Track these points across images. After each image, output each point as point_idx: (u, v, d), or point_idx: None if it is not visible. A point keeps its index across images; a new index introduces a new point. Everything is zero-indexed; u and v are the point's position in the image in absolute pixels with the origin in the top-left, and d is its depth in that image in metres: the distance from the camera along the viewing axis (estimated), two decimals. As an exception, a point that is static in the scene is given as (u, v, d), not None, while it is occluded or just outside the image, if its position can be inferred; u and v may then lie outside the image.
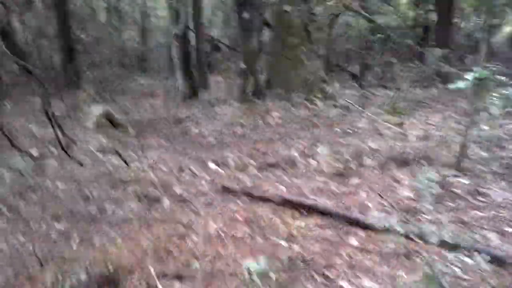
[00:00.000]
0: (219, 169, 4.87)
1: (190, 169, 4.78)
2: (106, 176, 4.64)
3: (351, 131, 6.27)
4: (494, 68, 4.12)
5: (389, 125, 6.55)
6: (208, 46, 13.65)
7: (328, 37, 8.29)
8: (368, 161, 4.69)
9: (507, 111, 6.54)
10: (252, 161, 5.06)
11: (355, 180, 4.27)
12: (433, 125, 6.57)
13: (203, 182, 4.43)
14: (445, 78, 9.90)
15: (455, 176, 4.18)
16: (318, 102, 7.97)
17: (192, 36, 10.14)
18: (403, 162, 4.59)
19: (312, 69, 8.09)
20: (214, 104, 8.57)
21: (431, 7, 13.04)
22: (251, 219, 3.53)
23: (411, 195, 3.82)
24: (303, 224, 3.42)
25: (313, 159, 4.96)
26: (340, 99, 8.18)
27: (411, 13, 14.06)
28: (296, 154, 5.25)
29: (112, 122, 6.79)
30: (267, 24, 8.30)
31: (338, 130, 6.45)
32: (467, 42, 15.36)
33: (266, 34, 8.38)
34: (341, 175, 4.43)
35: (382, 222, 3.00)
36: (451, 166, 4.40)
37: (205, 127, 7.15)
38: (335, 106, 7.94)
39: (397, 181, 4.14)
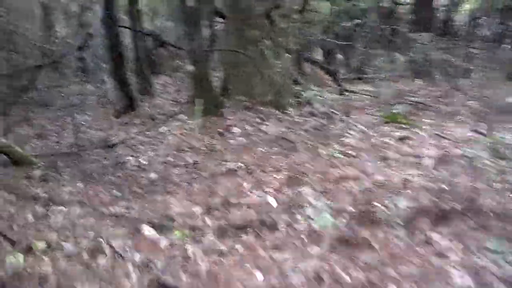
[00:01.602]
0: (158, 239, 3.35)
1: (111, 246, 3.22)
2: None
3: (342, 154, 4.86)
4: None
5: (389, 141, 5.20)
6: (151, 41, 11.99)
7: (298, 27, 6.87)
8: (383, 215, 3.28)
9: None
10: (208, 219, 3.57)
11: (372, 256, 2.84)
12: (447, 138, 5.27)
13: (128, 273, 2.89)
14: (445, 70, 8.73)
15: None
16: (292, 111, 6.55)
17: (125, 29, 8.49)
18: (437, 214, 3.20)
19: (281, 68, 6.64)
20: (158, 121, 6.99)
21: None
22: None
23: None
24: None
25: (298, 212, 3.51)
26: (319, 104, 6.78)
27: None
28: (272, 201, 3.80)
29: (11, 157, 5.13)
30: (219, 13, 6.82)
31: (324, 153, 5.03)
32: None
33: (219, 27, 6.88)
34: (347, 244, 3.00)
35: None
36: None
37: (145, 155, 5.59)
38: (313, 114, 6.56)
39: (444, 257, 2.73)
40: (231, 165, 4.91)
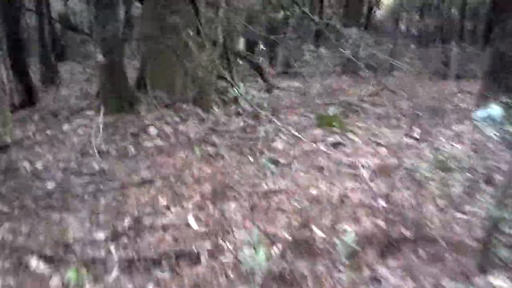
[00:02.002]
0: (48, 277, 2.70)
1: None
2: None
3: (272, 163, 4.41)
4: None
5: (323, 147, 4.84)
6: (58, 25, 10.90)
7: (227, 16, 6.34)
8: (323, 243, 2.86)
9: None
10: (113, 249, 2.97)
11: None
12: (382, 144, 5.00)
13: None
14: (372, 67, 8.59)
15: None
16: (216, 110, 6.03)
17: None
18: (384, 242, 2.83)
19: (206, 62, 6.08)
20: (61, 117, 6.17)
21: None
22: None
23: None
24: None
25: (224, 237, 3.01)
26: (246, 103, 6.30)
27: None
28: (193, 222, 3.27)
29: None
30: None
31: (252, 160, 4.57)
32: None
33: (136, 12, 6.18)
34: (282, 282, 2.55)
35: None
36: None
37: (43, 159, 4.82)
38: (239, 114, 6.08)
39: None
40: (145, 173, 4.33)
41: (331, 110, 5.77)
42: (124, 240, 3.06)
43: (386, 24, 23.46)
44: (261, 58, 9.87)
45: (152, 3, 6.22)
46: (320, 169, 4.27)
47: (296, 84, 9.54)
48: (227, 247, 2.87)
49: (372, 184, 3.88)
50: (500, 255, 2.50)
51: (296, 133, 5.15)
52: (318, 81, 8.87)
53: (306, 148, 4.88)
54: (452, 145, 5.35)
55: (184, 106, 5.95)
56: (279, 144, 5.05)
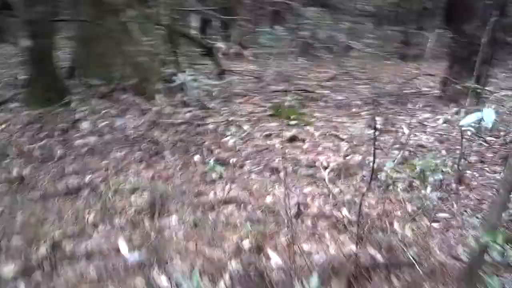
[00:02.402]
0: None
1: None
2: None
3: (220, 165, 3.92)
4: None
5: (278, 143, 4.40)
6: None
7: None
8: (280, 274, 2.41)
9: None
10: (21, 288, 2.42)
11: None
12: (343, 138, 4.60)
13: None
14: (329, 48, 8.20)
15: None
16: (160, 100, 5.46)
17: None
18: (350, 272, 2.40)
19: (148, 46, 5.49)
20: (-22, 111, 5.43)
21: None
22: None
23: None
24: None
25: (161, 271, 2.51)
26: (194, 90, 5.74)
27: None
28: (124, 248, 2.75)
29: None
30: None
31: (198, 160, 4.07)
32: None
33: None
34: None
35: None
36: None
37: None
38: (186, 104, 5.54)
39: None
40: (73, 180, 3.74)
41: (288, 100, 5.31)
42: (37, 276, 2.51)
43: (342, 1, 23.19)
44: (213, 40, 9.28)
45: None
46: (275, 170, 3.82)
47: (250, 67, 9.04)
48: (163, 284, 2.38)
49: (333, 189, 3.47)
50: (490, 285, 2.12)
51: (248, 126, 4.68)
52: (274, 64, 8.39)
53: (260, 144, 4.42)
54: (417, 136, 5.03)
55: (123, 96, 5.35)
56: (229, 140, 4.57)
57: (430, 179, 3.34)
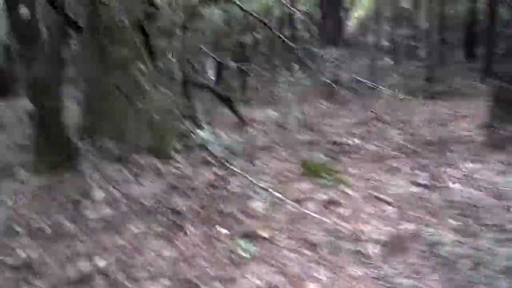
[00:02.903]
0: None
1: None
2: None
3: (249, 240, 3.49)
4: None
5: (313, 208, 3.97)
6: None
7: (184, 43, 5.47)
8: None
9: None
10: None
11: None
12: (387, 201, 4.15)
13: None
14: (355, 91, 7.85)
15: None
16: (179, 160, 5.09)
17: None
18: None
19: (162, 100, 5.18)
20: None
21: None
22: None
23: None
24: None
25: None
26: (215, 147, 5.36)
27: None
28: None
29: None
30: (72, 24, 5.20)
31: (224, 233, 3.66)
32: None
33: (74, 44, 5.24)
34: None
35: None
36: None
37: None
38: (207, 163, 5.15)
39: None
40: (84, 264, 3.34)
41: (318, 156, 4.90)
42: None
43: (359, 38, 23.00)
44: (231, 88, 9.00)
45: (92, 33, 5.26)
46: (313, 246, 3.37)
47: (271, 113, 8.68)
48: None
49: (387, 269, 3.00)
50: None
51: (278, 190, 4.26)
52: (297, 110, 8.02)
53: (292, 211, 3.98)
54: (469, 192, 4.56)
55: (139, 158, 4.99)
56: (257, 205, 4.15)
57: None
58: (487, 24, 15.58)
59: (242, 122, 7.20)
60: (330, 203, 4.03)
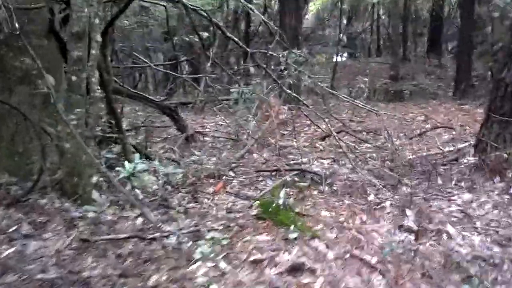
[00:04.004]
0: None
1: None
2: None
3: None
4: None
5: (271, 275, 2.93)
6: None
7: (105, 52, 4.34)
8: None
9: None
10: None
11: None
12: (367, 259, 3.15)
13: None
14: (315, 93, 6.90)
15: None
16: (98, 199, 3.92)
17: None
18: None
19: (78, 123, 4.00)
20: None
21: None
22: None
23: None
24: None
25: None
26: (150, 178, 4.20)
27: None
28: None
29: None
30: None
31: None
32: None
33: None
34: None
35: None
36: None
37: None
38: (135, 202, 4.02)
39: None
40: None
41: (278, 190, 3.85)
42: None
43: (317, 33, 22.06)
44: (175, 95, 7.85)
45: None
46: None
47: (223, 123, 7.60)
48: None
49: None
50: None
51: (227, 244, 3.19)
52: (252, 118, 6.95)
53: (245, 281, 2.92)
54: (469, 237, 3.63)
55: (43, 200, 3.82)
56: (198, 271, 3.06)
57: None
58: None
59: (187, 137, 6.09)
60: (296, 270, 2.98)
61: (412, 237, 3.59)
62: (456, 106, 9.90)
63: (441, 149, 5.67)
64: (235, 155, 5.75)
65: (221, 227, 3.59)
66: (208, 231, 3.53)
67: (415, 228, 3.68)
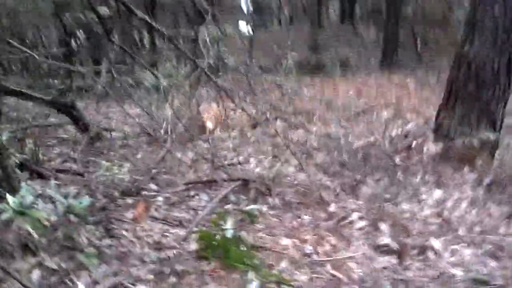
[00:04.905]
0: None
1: None
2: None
3: None
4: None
5: None
6: None
7: None
8: None
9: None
10: None
11: None
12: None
13: None
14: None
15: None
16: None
17: None
18: None
19: None
20: None
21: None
22: None
23: None
24: None
25: None
26: (48, 206, 3.16)
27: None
28: None
29: None
30: None
31: None
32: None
33: None
34: None
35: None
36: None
37: None
38: (27, 246, 3.02)
39: None
40: None
41: (227, 223, 2.98)
42: None
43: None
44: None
45: None
46: None
47: (134, 111, 6.50)
48: None
49: None
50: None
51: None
52: (167, 106, 5.95)
53: None
54: (458, 252, 3.02)
55: None
56: None
57: None
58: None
59: (90, 140, 5.02)
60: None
61: (394, 260, 2.91)
62: (386, 78, 9.51)
63: (390, 135, 5.02)
64: (154, 157, 4.79)
65: (151, 277, 2.67)
66: (134, 284, 2.61)
67: (395, 246, 3.00)
